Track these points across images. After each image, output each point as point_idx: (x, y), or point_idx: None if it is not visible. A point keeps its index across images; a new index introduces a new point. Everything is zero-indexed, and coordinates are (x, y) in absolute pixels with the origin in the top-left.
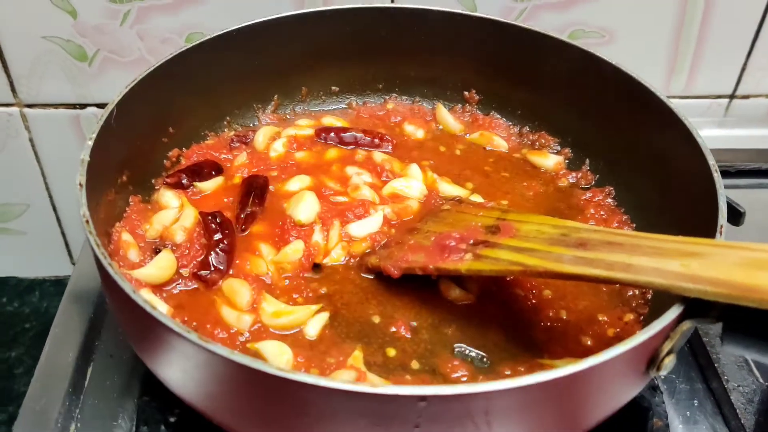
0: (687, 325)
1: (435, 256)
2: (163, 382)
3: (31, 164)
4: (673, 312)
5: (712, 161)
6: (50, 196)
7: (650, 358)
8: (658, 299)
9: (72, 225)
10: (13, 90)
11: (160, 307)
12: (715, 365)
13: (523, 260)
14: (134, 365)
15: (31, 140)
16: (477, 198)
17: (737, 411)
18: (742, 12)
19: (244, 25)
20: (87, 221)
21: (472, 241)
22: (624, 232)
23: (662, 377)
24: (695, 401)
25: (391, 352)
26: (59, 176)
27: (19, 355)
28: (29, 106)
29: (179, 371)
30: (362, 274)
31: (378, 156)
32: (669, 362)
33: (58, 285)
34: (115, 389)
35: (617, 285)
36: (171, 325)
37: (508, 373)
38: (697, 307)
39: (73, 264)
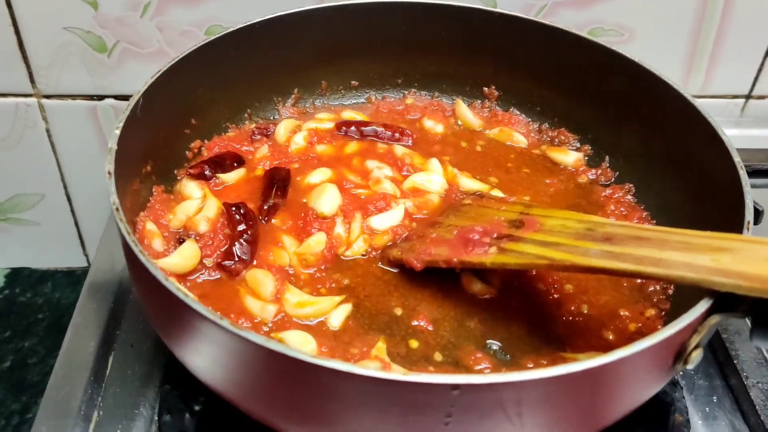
0: (715, 319)
1: (459, 249)
2: (191, 370)
3: (47, 155)
4: (702, 306)
5: (737, 158)
6: (65, 187)
7: (677, 351)
8: (680, 295)
9: (86, 216)
10: (32, 81)
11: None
12: (734, 362)
13: (549, 254)
14: (155, 355)
15: (47, 131)
16: (498, 193)
17: (756, 407)
18: (760, 12)
19: (265, 18)
20: (117, 208)
21: (495, 235)
22: (651, 228)
23: (682, 372)
24: (714, 397)
25: (414, 343)
26: (75, 167)
27: (32, 345)
28: (47, 96)
29: (209, 358)
30: (384, 267)
31: (399, 150)
32: (696, 356)
33: (70, 276)
34: (136, 378)
35: (643, 280)
36: (204, 312)
37: (530, 366)
38: (725, 302)
39: (86, 255)
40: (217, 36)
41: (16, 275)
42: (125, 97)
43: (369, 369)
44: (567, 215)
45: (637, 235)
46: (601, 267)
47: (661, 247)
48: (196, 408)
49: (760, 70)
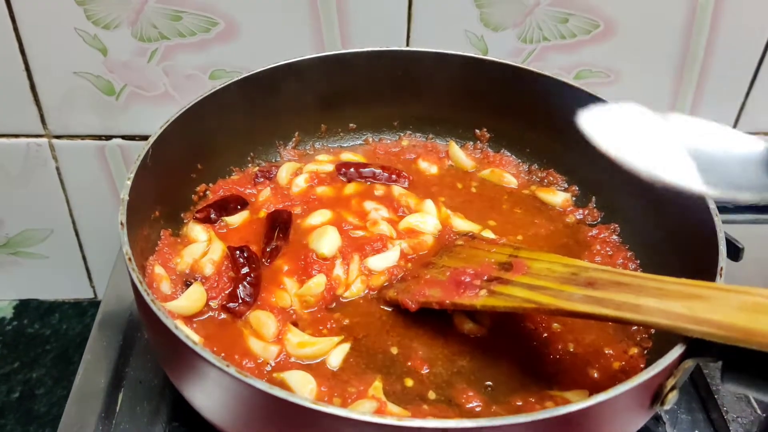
0: (689, 363)
1: (451, 291)
2: (198, 410)
3: (57, 192)
4: (676, 351)
5: (712, 205)
6: (73, 222)
7: (654, 393)
8: (662, 335)
9: (92, 250)
10: (43, 122)
11: (192, 338)
12: (715, 397)
13: (535, 298)
14: (162, 391)
15: (57, 169)
16: (488, 234)
17: None
18: (742, 52)
19: (268, 67)
20: (130, 258)
21: (486, 277)
22: (630, 273)
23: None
24: (696, 431)
25: (409, 382)
26: (83, 203)
27: (40, 376)
28: (57, 137)
29: (215, 400)
30: (382, 307)
31: (396, 191)
32: (672, 397)
33: (77, 307)
34: (145, 414)
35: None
36: (211, 359)
37: (519, 403)
38: (698, 347)
39: (93, 287)
40: (223, 85)
41: (25, 306)
42: (132, 137)
43: (365, 412)
44: (553, 258)
45: (617, 280)
46: (584, 312)
47: (638, 293)
48: None
49: (742, 108)
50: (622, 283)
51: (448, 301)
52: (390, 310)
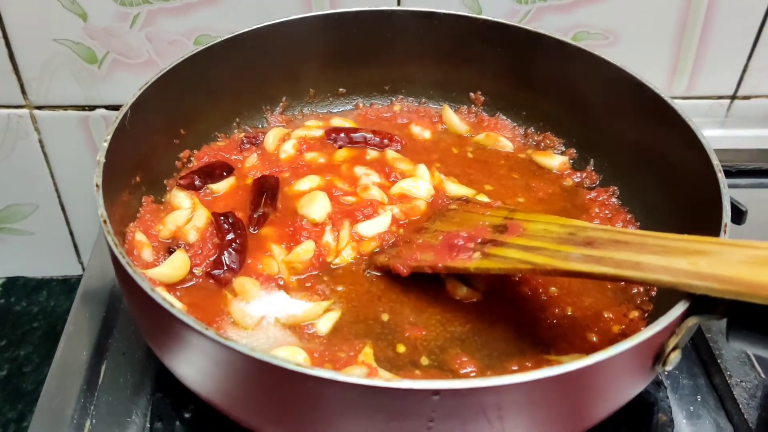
0: (692, 321)
1: (444, 255)
2: (180, 379)
3: (41, 165)
4: (679, 308)
5: (716, 161)
6: (59, 197)
7: (656, 353)
8: (662, 297)
9: (80, 225)
10: (24, 92)
11: (175, 305)
12: (718, 361)
13: (531, 258)
14: (146, 363)
15: (40, 141)
16: (483, 198)
17: (740, 406)
18: (743, 14)
19: (253, 28)
20: (105, 221)
21: (480, 240)
22: (631, 231)
23: (667, 373)
24: (698, 396)
25: (401, 348)
26: (68, 177)
27: (27, 354)
28: (39, 107)
29: (196, 368)
30: (371, 273)
31: (389, 155)
32: (674, 357)
33: (64, 284)
34: (129, 386)
35: (624, 283)
36: (190, 322)
37: (515, 368)
38: (702, 304)
39: (81, 263)
40: (205, 46)
41: (12, 284)
42: (116, 107)
43: (353, 375)
44: (550, 219)
45: (617, 239)
46: (581, 271)
47: (639, 250)
48: (187, 415)
49: (744, 70)
50: (622, 241)
51: (440, 265)
52: (380, 276)
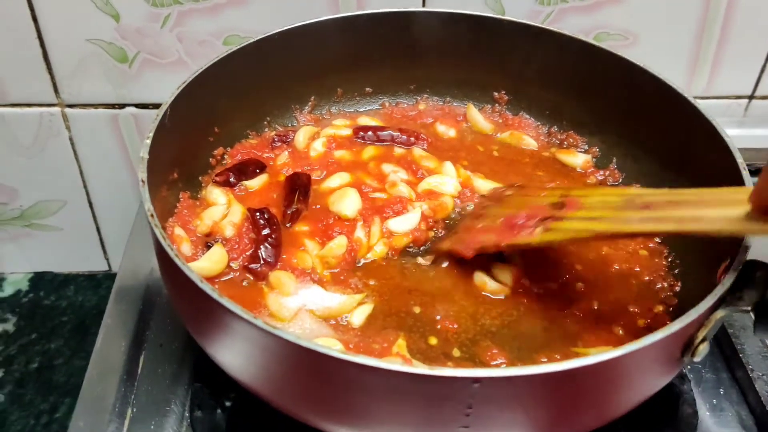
0: (721, 314)
1: (506, 234)
2: (223, 367)
3: (70, 162)
4: (708, 301)
5: (740, 159)
6: (87, 194)
7: (685, 344)
8: (686, 292)
9: (107, 221)
10: (56, 91)
11: None
12: (740, 355)
13: (592, 227)
14: (183, 354)
15: (70, 139)
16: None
17: (762, 399)
18: (762, 14)
19: (283, 29)
20: (152, 215)
21: (540, 218)
22: (685, 191)
23: (690, 366)
24: (721, 390)
25: (433, 340)
26: (96, 174)
27: (58, 347)
28: (70, 106)
29: (242, 356)
30: (404, 266)
31: (416, 152)
32: (703, 348)
33: (91, 280)
34: (167, 377)
35: (684, 237)
36: (238, 311)
37: (544, 360)
38: (730, 297)
39: (107, 259)
40: (238, 47)
41: (40, 279)
42: (145, 106)
43: (395, 364)
44: (606, 191)
45: (673, 200)
46: (643, 231)
47: (696, 206)
48: (227, 404)
49: (762, 70)
50: (678, 201)
51: (504, 243)
52: (412, 270)
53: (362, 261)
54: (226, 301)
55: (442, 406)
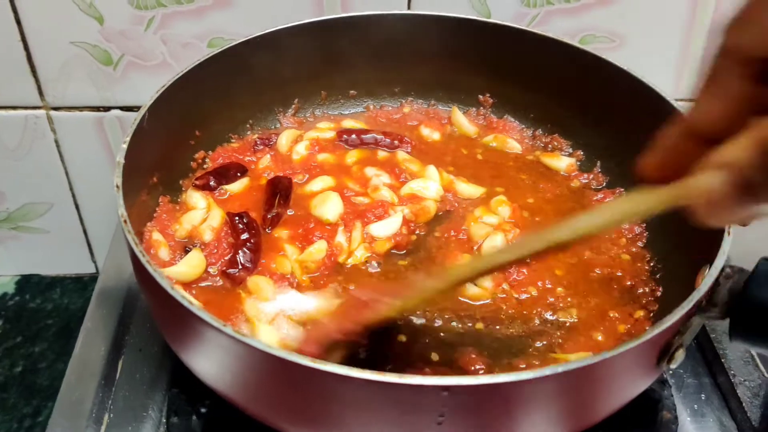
0: (696, 321)
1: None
2: (197, 375)
3: (56, 165)
4: (684, 308)
5: None
6: (73, 196)
7: (661, 351)
8: (667, 297)
9: (93, 224)
10: (41, 93)
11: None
12: (722, 360)
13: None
14: (162, 359)
15: (56, 141)
16: (500, 197)
17: (743, 404)
18: None
19: (267, 31)
20: (125, 221)
21: None
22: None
23: (671, 371)
24: (702, 395)
25: (412, 344)
26: (82, 176)
27: (42, 351)
28: (55, 108)
29: (214, 364)
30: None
31: (399, 156)
32: (679, 355)
33: (78, 282)
34: (145, 382)
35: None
36: (208, 319)
37: (523, 366)
38: (706, 305)
39: (94, 262)
40: (220, 50)
41: (26, 282)
42: (130, 108)
43: (365, 372)
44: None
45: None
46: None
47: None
48: (203, 410)
49: None
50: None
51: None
52: (392, 275)
53: (343, 265)
54: (195, 309)
55: (414, 413)
